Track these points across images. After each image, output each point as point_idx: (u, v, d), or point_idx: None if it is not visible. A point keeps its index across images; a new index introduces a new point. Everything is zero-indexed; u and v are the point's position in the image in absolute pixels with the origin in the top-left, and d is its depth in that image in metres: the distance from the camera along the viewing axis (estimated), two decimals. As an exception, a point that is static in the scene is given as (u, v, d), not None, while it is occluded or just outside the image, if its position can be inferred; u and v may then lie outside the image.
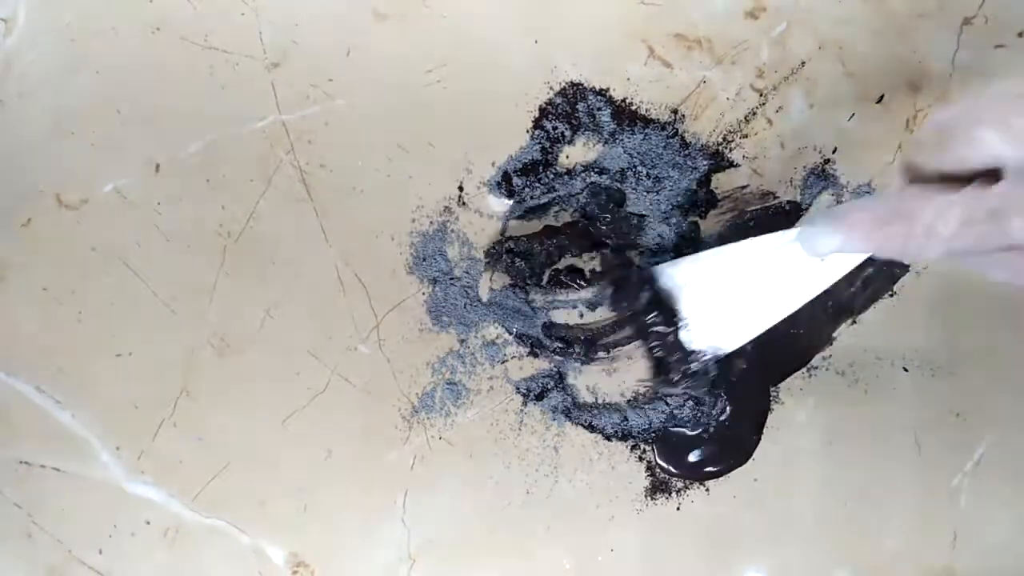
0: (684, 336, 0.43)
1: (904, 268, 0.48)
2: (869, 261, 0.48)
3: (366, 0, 0.47)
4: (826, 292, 0.39)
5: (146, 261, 0.46)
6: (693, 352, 0.43)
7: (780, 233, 0.38)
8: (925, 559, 0.48)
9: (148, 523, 0.46)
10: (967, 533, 0.48)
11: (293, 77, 0.47)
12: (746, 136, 0.48)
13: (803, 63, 0.48)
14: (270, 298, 0.46)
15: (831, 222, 0.34)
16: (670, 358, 0.44)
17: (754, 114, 0.48)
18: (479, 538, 0.47)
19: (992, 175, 0.29)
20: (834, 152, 0.48)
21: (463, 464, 0.47)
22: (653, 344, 0.44)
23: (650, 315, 0.44)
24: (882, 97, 0.48)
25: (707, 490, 0.48)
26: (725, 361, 0.47)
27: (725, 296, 0.42)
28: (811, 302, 0.40)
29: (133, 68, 0.46)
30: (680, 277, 0.43)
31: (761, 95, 0.48)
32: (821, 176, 0.48)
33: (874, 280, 0.48)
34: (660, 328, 0.43)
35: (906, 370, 0.48)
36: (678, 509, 0.47)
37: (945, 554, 0.48)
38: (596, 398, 0.48)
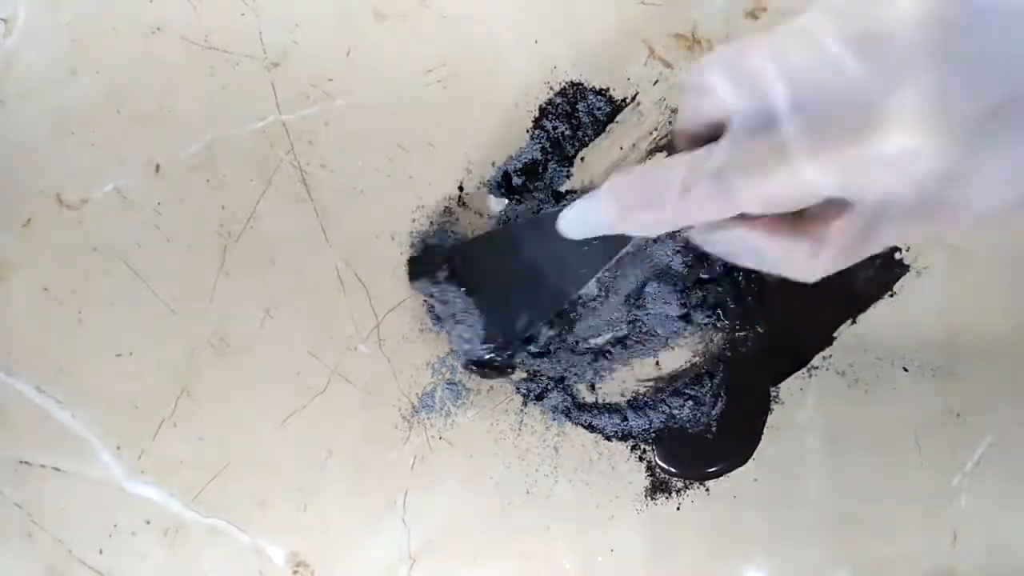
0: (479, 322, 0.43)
1: (904, 268, 0.48)
2: (870, 260, 0.48)
3: (366, 0, 0.47)
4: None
5: (146, 261, 0.46)
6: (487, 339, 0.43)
7: (553, 213, 0.36)
8: (925, 559, 0.48)
9: (148, 523, 0.46)
10: (967, 533, 0.48)
11: (293, 77, 0.47)
12: (746, 136, 0.48)
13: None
14: (270, 298, 0.46)
15: (583, 201, 0.31)
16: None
17: (754, 114, 0.48)
18: (479, 538, 0.47)
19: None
20: (834, 152, 0.48)
21: (463, 464, 0.47)
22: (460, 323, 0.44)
23: (448, 293, 0.43)
24: (882, 97, 0.48)
25: (707, 490, 0.48)
26: (726, 363, 0.47)
27: (505, 282, 0.41)
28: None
29: (133, 68, 0.46)
30: (466, 260, 0.43)
31: (761, 95, 0.48)
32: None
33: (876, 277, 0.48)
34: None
35: (906, 370, 0.48)
36: (678, 509, 0.47)
37: (945, 554, 0.48)
38: (596, 398, 0.48)
